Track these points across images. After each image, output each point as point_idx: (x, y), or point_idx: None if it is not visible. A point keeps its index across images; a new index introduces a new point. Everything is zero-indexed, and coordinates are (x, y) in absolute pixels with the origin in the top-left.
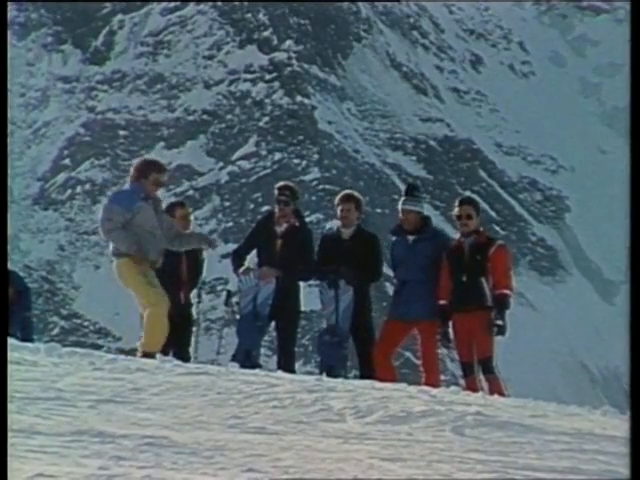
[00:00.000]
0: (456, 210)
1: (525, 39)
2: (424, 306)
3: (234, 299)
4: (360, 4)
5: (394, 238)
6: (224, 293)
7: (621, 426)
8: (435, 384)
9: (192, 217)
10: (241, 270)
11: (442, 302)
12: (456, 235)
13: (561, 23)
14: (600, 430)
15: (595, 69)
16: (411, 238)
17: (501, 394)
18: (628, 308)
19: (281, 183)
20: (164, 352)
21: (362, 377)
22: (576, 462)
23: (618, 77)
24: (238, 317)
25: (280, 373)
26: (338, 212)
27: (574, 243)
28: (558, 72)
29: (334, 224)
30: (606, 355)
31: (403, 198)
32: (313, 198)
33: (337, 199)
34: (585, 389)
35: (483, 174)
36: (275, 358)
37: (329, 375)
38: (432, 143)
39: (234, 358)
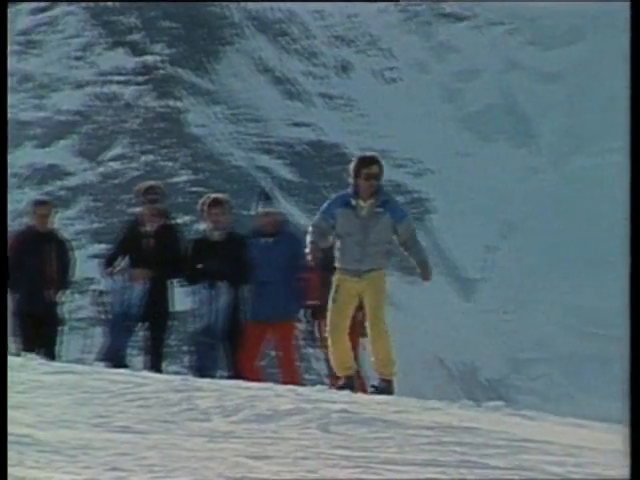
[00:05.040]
0: None
1: (392, 46)
2: (280, 307)
3: (104, 299)
4: (233, 8)
5: (252, 240)
6: (93, 293)
7: (478, 418)
8: (294, 383)
9: (56, 217)
10: (112, 270)
11: (312, 302)
12: None
13: (426, 30)
14: (457, 422)
15: (456, 74)
16: (269, 240)
17: (365, 392)
18: (628, 307)
19: (149, 183)
20: (30, 350)
21: (231, 378)
22: (435, 454)
23: (477, 82)
24: (107, 317)
25: (146, 373)
26: (206, 216)
27: (437, 243)
28: (423, 78)
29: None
30: (462, 351)
31: (261, 202)
32: (184, 200)
33: (204, 203)
34: (443, 384)
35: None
36: (142, 358)
37: (202, 375)
38: (303, 147)
39: (100, 357)
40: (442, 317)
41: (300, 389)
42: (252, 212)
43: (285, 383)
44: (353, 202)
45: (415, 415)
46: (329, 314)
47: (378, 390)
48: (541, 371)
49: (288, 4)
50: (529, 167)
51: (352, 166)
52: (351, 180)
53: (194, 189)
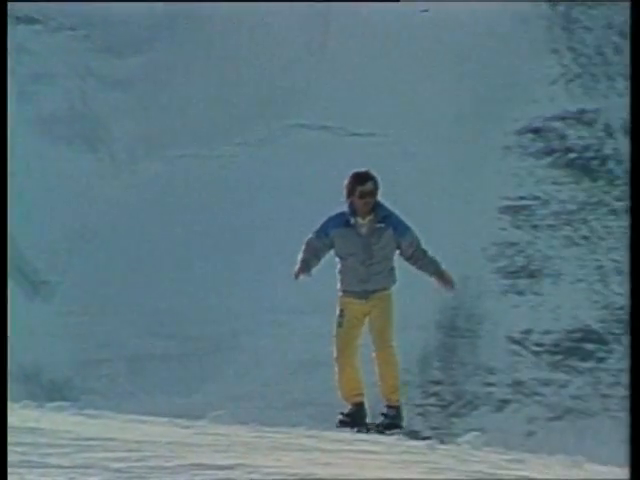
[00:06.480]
0: None
1: None
2: None
3: None
4: None
5: None
6: None
7: (41, 418)
8: None
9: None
10: None
11: None
12: None
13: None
14: (19, 423)
15: (31, 77)
16: None
17: None
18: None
19: None
20: None
21: None
22: None
23: (52, 86)
24: None
25: None
26: None
27: (13, 245)
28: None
29: None
30: (26, 352)
31: None
32: None
33: None
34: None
35: None
36: None
37: None
38: None
39: None
40: (10, 319)
41: None
42: None
43: None
44: (352, 220)
45: None
46: (335, 339)
47: (388, 417)
48: (105, 371)
49: None
50: (103, 172)
51: (346, 183)
52: (344, 198)
53: None
